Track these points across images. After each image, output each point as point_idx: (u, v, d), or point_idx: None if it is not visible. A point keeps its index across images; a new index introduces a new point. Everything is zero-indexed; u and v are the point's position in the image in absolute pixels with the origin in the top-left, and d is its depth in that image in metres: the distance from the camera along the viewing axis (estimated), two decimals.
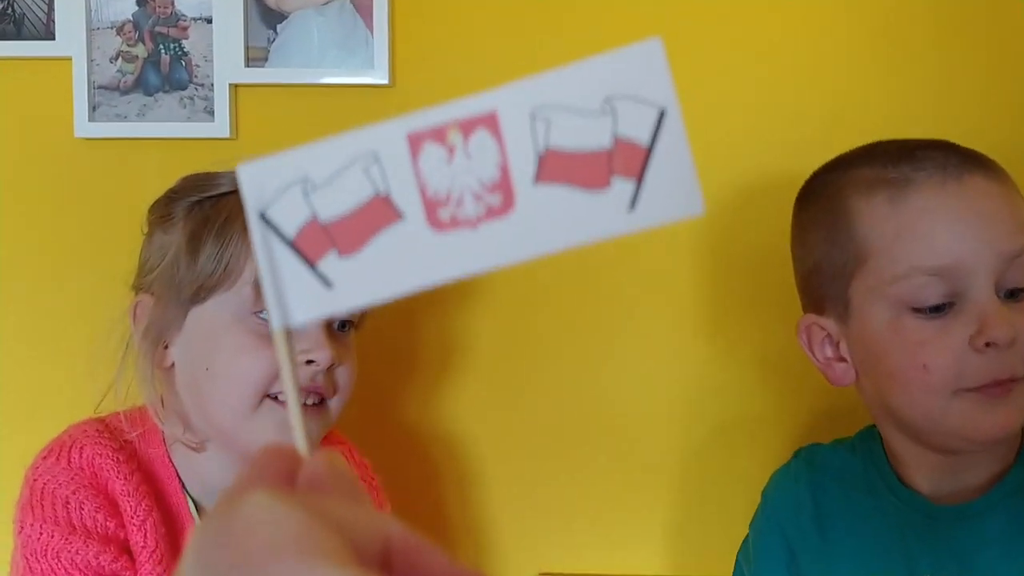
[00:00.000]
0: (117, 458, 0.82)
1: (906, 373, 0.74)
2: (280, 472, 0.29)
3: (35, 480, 0.80)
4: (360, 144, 0.32)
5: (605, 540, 1.02)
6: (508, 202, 0.33)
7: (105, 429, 0.84)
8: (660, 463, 1.03)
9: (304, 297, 0.32)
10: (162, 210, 0.85)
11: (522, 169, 0.32)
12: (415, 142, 0.33)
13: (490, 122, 0.32)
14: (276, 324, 0.32)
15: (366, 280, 0.32)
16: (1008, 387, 0.71)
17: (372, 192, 0.32)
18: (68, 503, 0.79)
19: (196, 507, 0.85)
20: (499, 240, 0.32)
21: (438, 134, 0.33)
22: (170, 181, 1.02)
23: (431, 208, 0.32)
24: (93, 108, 1.04)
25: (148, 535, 0.81)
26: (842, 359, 0.79)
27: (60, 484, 0.80)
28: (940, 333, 0.72)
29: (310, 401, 0.81)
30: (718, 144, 1.01)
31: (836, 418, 0.96)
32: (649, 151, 0.32)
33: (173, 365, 0.83)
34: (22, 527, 0.79)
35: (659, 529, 1.02)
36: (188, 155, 1.05)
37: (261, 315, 0.79)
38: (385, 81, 1.02)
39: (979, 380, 0.71)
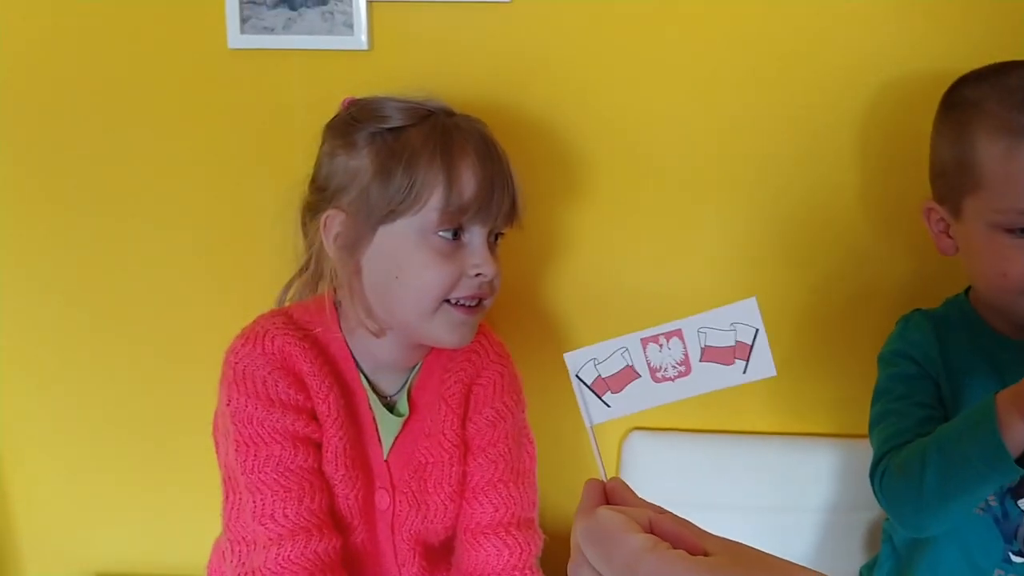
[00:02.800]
0: (302, 346, 1.07)
1: (989, 276, 1.06)
2: (596, 496, 0.64)
3: (236, 363, 1.05)
4: (618, 344, 0.67)
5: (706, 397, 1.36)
6: (688, 370, 0.67)
7: (290, 321, 1.09)
8: (781, 307, 1.33)
9: (598, 411, 0.68)
10: (343, 137, 1.06)
11: (695, 355, 0.67)
12: (644, 342, 0.66)
13: (678, 334, 0.67)
14: (587, 424, 0.67)
15: (625, 404, 0.67)
16: None
17: (625, 365, 0.67)
18: (266, 381, 1.04)
19: (368, 381, 1.11)
20: (685, 387, 0.67)
21: (655, 339, 0.66)
22: (313, 89, 1.29)
23: (653, 372, 0.67)
24: (243, 21, 1.26)
25: (331, 406, 1.07)
26: (950, 236, 1.11)
27: (258, 366, 1.05)
28: (1021, 251, 1.03)
29: (473, 303, 1.05)
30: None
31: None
32: (751, 348, 0.66)
33: (360, 269, 1.06)
34: (230, 400, 1.05)
35: (775, 383, 1.34)
36: (329, 66, 1.29)
37: (440, 233, 1.03)
38: None
39: None
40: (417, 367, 1.15)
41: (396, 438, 1.11)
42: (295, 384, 1.06)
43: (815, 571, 0.58)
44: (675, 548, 0.57)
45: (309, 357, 1.07)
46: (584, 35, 1.28)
